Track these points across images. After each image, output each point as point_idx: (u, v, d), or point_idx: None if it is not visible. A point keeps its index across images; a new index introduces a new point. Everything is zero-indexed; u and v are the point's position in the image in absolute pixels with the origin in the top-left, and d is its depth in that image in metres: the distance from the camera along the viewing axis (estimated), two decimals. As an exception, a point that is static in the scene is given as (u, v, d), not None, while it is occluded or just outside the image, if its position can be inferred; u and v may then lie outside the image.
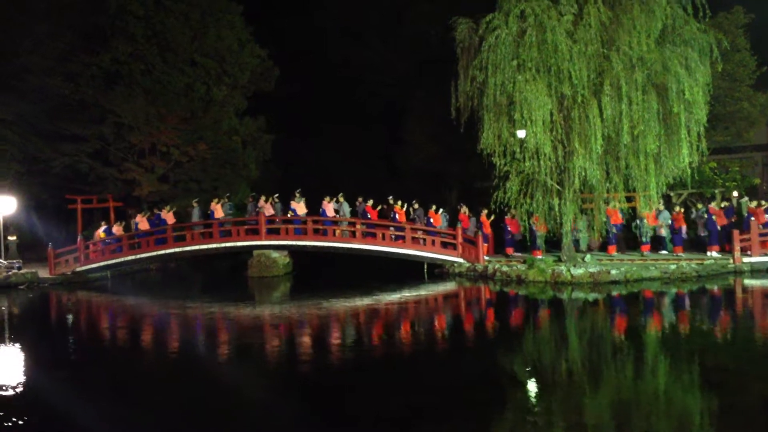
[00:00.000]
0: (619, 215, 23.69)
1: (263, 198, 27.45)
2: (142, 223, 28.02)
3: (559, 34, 20.65)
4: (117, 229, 27.56)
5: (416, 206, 27.00)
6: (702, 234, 24.51)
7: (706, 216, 24.16)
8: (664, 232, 24.34)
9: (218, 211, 27.30)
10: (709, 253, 23.36)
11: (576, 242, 23.76)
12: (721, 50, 21.40)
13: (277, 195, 27.79)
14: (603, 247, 24.81)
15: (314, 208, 26.74)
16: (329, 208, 26.32)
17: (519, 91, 20.87)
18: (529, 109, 20.67)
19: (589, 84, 20.81)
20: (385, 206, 26.99)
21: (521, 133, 21.32)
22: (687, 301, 18.51)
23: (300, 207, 26.45)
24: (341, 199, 26.88)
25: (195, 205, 28.81)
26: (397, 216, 25.97)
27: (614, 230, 24.05)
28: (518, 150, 21.64)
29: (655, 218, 23.95)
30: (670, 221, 24.20)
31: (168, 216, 28.01)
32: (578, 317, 16.87)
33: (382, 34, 44.98)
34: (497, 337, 15.17)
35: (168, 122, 32.58)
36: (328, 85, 45.16)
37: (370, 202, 26.52)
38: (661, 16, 20.77)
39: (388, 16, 44.72)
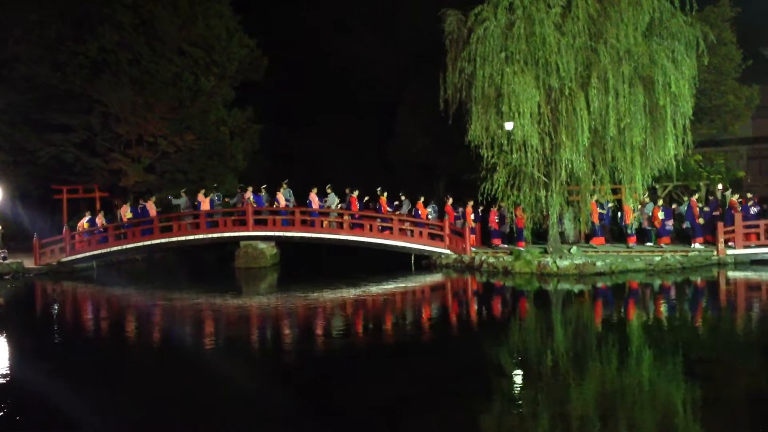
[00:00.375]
0: (597, 209, 23.92)
1: (250, 189, 27.37)
2: (126, 213, 27.86)
3: (548, 27, 20.70)
4: (99, 220, 27.45)
5: (403, 198, 27.06)
6: (685, 227, 24.73)
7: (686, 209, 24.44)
8: (647, 224, 24.57)
9: (204, 203, 27.20)
10: (693, 245, 23.59)
11: (562, 234, 23.89)
12: (708, 43, 21.48)
13: (264, 186, 27.74)
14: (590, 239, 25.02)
15: (302, 199, 26.77)
16: (315, 199, 26.31)
17: (507, 83, 20.93)
18: (516, 102, 20.75)
19: (577, 77, 20.88)
20: (369, 198, 27.06)
21: (509, 126, 21.37)
22: (671, 293, 18.65)
23: (280, 198, 26.40)
24: (329, 191, 26.91)
25: (183, 195, 28.73)
26: (381, 208, 26.05)
27: (599, 222, 24.24)
28: (506, 142, 21.73)
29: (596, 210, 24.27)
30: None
31: (150, 207, 27.89)
32: (563, 308, 16.97)
33: (374, 25, 44.84)
34: (483, 328, 15.24)
35: (155, 112, 32.42)
36: (319, 76, 45.06)
37: (356, 193, 26.51)
38: (648, 9, 20.86)
39: (379, 8, 44.53)
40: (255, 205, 26.27)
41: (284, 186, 27.06)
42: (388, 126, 43.53)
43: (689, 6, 20.97)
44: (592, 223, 24.20)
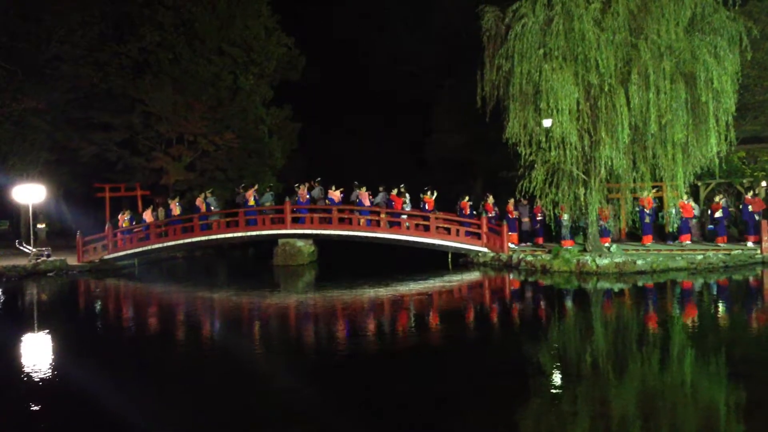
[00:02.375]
0: (652, 203, 23.63)
1: (304, 186, 27.45)
2: (174, 210, 28.18)
3: (587, 23, 20.52)
4: (147, 216, 27.85)
5: (402, 189, 26.89)
6: (710, 227, 24.30)
7: (741, 207, 23.93)
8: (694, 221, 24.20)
9: (251, 199, 27.39)
10: (749, 243, 23.05)
11: (604, 231, 23.63)
12: (751, 39, 21.09)
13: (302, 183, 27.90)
14: (632, 237, 24.72)
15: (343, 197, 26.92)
16: (366, 197, 26.31)
17: (545, 79, 20.79)
18: (555, 98, 20.61)
19: (617, 73, 20.67)
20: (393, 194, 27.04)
21: (547, 123, 21.24)
22: (713, 292, 18.34)
23: (303, 194, 26.51)
24: (380, 189, 26.96)
25: (209, 195, 29.04)
26: (427, 206, 26.02)
27: (648, 219, 23.90)
28: (544, 139, 21.58)
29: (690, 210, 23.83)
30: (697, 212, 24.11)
31: (174, 207, 28.17)
32: (604, 307, 16.79)
33: (410, 23, 44.90)
34: (522, 327, 15.16)
35: (195, 111, 32.83)
36: (355, 75, 45.28)
37: (395, 191, 26.53)
38: (690, 4, 20.59)
39: (415, 6, 44.60)
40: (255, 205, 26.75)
41: (317, 183, 27.31)
42: (424, 124, 43.51)
43: (732, 1, 20.63)
44: (643, 221, 23.89)
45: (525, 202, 25.02)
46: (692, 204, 24.29)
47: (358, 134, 46.38)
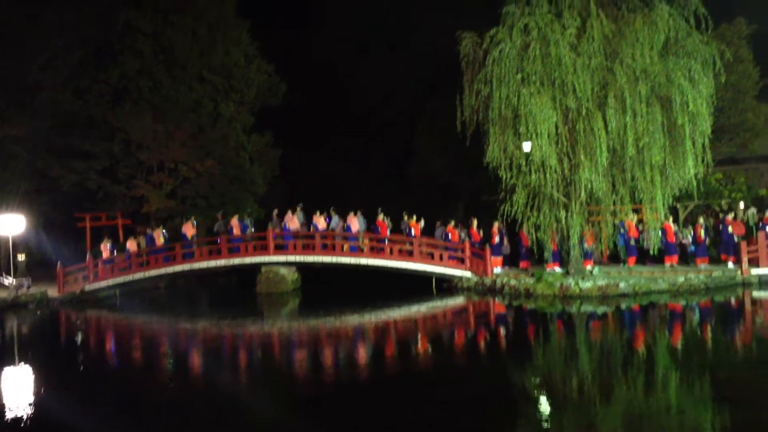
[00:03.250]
0: (635, 227, 23.76)
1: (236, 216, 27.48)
2: (158, 239, 27.98)
3: (563, 48, 20.75)
4: (131, 245, 27.66)
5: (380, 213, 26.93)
6: (692, 248, 24.47)
7: (721, 227, 24.11)
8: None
9: (236, 227, 27.20)
10: (729, 264, 23.13)
11: (586, 254, 23.77)
12: (724, 62, 21.42)
13: (276, 210, 27.90)
14: (614, 259, 24.89)
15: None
16: (355, 222, 26.26)
17: (524, 104, 20.95)
18: (534, 122, 20.75)
19: (594, 96, 20.88)
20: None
21: (527, 146, 21.36)
22: (696, 314, 18.50)
23: (293, 222, 26.46)
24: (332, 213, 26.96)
25: (219, 218, 28.85)
26: (413, 231, 26.04)
27: (633, 242, 24.05)
28: (524, 163, 21.69)
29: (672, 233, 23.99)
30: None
31: (157, 236, 27.98)
32: (588, 331, 16.87)
33: (391, 47, 45.19)
34: (507, 351, 15.20)
35: (176, 138, 32.70)
36: (336, 99, 45.32)
37: (381, 216, 26.47)
38: (663, 29, 20.87)
39: (395, 30, 44.97)
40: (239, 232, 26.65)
41: (298, 210, 27.23)
42: (406, 147, 43.68)
43: (705, 25, 21.01)
44: (626, 243, 24.05)
45: (501, 225, 25.21)
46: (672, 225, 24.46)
47: (340, 159, 46.41)
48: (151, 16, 33.81)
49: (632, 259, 24.23)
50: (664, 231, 23.49)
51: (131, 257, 27.11)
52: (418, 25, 43.39)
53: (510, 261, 25.93)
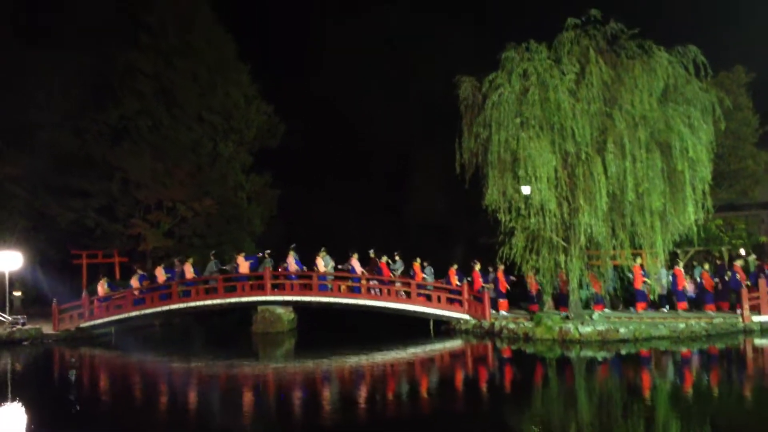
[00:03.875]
0: (642, 273, 23.58)
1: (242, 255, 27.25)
2: (160, 277, 27.76)
3: (562, 93, 20.88)
4: (134, 282, 27.44)
5: (397, 258, 26.87)
6: (692, 295, 24.32)
7: (729, 274, 23.96)
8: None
9: (243, 266, 26.87)
10: (739, 312, 22.84)
11: (598, 299, 23.64)
12: (724, 109, 21.56)
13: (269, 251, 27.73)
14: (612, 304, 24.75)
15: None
16: (357, 265, 26.10)
17: (523, 148, 21.02)
18: (533, 166, 20.79)
19: (593, 141, 20.95)
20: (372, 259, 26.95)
21: (526, 190, 21.38)
22: (697, 361, 18.30)
23: (291, 262, 26.30)
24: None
25: (212, 258, 28.59)
26: (415, 273, 25.86)
27: (642, 287, 23.79)
28: (523, 206, 21.69)
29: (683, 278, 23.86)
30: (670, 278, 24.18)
31: (188, 269, 27.69)
32: (587, 377, 16.66)
33: (389, 90, 45.61)
34: (505, 396, 14.97)
35: (174, 178, 32.78)
36: (334, 141, 45.56)
37: (384, 258, 26.30)
38: (662, 76, 21.02)
39: (394, 73, 45.43)
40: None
41: (291, 251, 27.04)
42: (403, 189, 43.77)
43: (704, 72, 21.16)
44: (635, 288, 23.89)
45: (491, 269, 25.18)
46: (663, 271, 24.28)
47: (337, 200, 46.41)
48: (152, 58, 34.11)
49: (641, 305, 23.98)
50: (674, 276, 23.39)
51: (127, 295, 26.86)
52: (415, 69, 43.90)
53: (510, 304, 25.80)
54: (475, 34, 43.84)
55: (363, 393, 15.31)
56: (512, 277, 25.10)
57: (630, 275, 23.92)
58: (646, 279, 23.60)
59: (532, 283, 24.33)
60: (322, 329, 27.88)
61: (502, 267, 24.51)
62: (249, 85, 37.43)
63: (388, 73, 45.79)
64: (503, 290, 25.26)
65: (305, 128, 43.43)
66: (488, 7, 49.20)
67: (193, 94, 34.83)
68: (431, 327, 24.99)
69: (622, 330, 20.84)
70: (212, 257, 28.40)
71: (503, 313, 24.53)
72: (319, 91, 45.56)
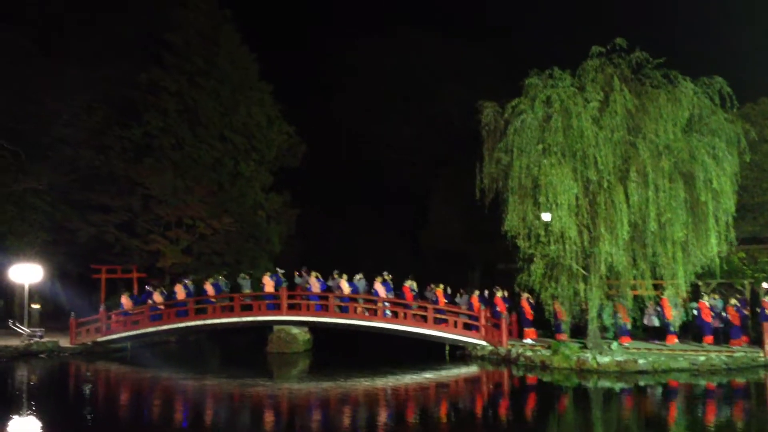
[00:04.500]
0: (671, 306, 23.09)
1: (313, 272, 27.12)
2: (180, 293, 27.78)
3: (585, 120, 20.84)
4: (157, 297, 27.48)
5: (386, 276, 26.66)
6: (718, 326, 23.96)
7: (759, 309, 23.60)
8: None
9: (268, 285, 26.78)
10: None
11: (623, 330, 23.38)
12: (749, 140, 21.44)
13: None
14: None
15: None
16: (381, 288, 25.93)
17: (544, 174, 20.96)
18: (554, 193, 20.71)
19: (615, 170, 20.85)
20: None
21: (546, 216, 21.26)
22: (717, 395, 18.00)
23: (313, 282, 26.24)
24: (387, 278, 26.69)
25: (246, 277, 28.60)
26: (437, 299, 25.81)
27: (672, 319, 23.40)
28: (543, 233, 21.56)
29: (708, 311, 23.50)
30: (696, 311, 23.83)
31: (208, 287, 27.70)
32: (605, 408, 16.43)
33: (409, 114, 45.64)
34: (520, 425, 14.79)
35: (195, 195, 32.94)
36: (354, 163, 45.65)
37: (408, 283, 26.16)
38: (687, 106, 20.94)
39: (414, 98, 45.50)
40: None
41: (304, 272, 27.04)
42: (421, 214, 43.67)
43: (729, 103, 21.06)
44: (665, 320, 23.53)
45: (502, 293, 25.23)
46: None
47: (354, 222, 46.46)
48: (176, 76, 34.57)
49: (672, 337, 23.64)
50: (699, 309, 23.13)
51: (144, 311, 26.87)
52: (435, 94, 43.95)
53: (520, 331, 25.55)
54: (498, 60, 43.83)
55: (375, 417, 15.18)
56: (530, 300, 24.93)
57: (655, 306, 23.60)
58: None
59: (559, 310, 23.55)
60: (337, 350, 27.76)
61: (526, 295, 24.15)
62: (271, 105, 37.72)
63: (409, 96, 45.88)
64: (530, 318, 24.91)
65: (324, 150, 43.59)
66: (512, 34, 49.29)
67: (216, 113, 35.15)
68: (447, 352, 24.80)
69: (641, 361, 20.54)
70: (247, 276, 28.51)
71: (529, 341, 24.27)
72: (338, 112, 45.80)
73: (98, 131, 32.94)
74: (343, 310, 25.74)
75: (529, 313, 24.86)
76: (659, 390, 18.46)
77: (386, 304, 25.40)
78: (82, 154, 32.15)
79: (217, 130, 35.15)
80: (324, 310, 25.79)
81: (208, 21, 36.01)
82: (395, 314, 25.18)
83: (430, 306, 25.22)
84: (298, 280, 27.13)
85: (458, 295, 27.04)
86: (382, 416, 15.28)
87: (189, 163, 34.06)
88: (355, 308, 25.77)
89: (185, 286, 28.11)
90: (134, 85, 33.92)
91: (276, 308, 25.88)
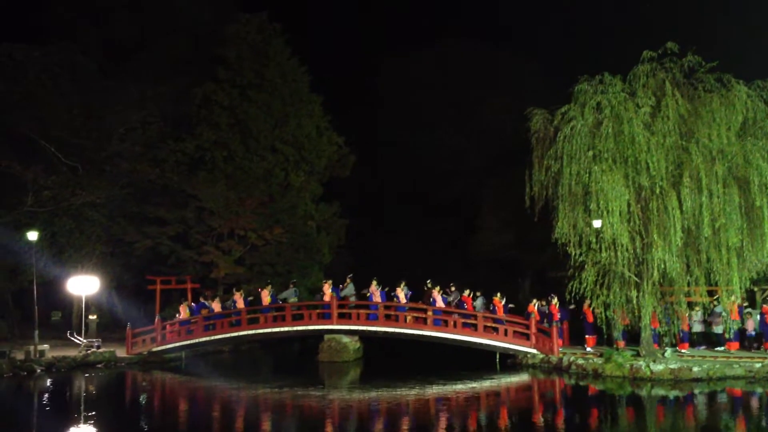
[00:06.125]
0: (737, 311, 22.70)
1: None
2: (239, 302, 28.15)
3: (636, 126, 20.62)
4: (216, 305, 27.94)
5: (452, 289, 26.80)
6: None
7: None
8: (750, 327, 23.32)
9: (327, 294, 26.84)
10: None
11: (684, 336, 23.02)
12: (804, 144, 20.93)
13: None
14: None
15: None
16: (439, 298, 26.07)
17: (595, 181, 20.76)
18: (605, 200, 20.51)
19: (668, 176, 20.58)
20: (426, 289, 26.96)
21: (597, 223, 21.06)
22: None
23: (375, 292, 26.39)
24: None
25: (291, 285, 28.93)
26: (497, 309, 25.89)
27: (736, 326, 22.90)
28: (594, 240, 21.34)
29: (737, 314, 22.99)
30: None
31: (215, 304, 28.10)
32: (659, 417, 16.19)
33: (458, 123, 45.69)
34: (574, 434, 14.68)
35: (247, 207, 33.46)
36: (402, 172, 45.82)
37: (467, 292, 26.22)
38: (741, 110, 20.61)
39: (463, 106, 45.54)
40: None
41: (348, 281, 27.32)
42: (469, 222, 43.55)
43: (786, 107, 20.64)
44: (730, 328, 23.04)
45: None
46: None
47: (403, 231, 46.58)
48: (228, 91, 35.45)
49: (734, 345, 23.15)
50: (762, 315, 22.65)
51: (198, 321, 27.34)
52: (482, 102, 43.93)
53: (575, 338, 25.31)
54: (546, 67, 43.62)
55: (427, 427, 15.22)
56: (572, 306, 24.90)
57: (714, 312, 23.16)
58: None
59: (589, 314, 23.51)
60: (387, 360, 27.85)
61: (588, 302, 23.84)
62: (321, 117, 38.23)
63: (457, 106, 45.94)
64: (591, 324, 24.45)
65: (373, 160, 43.90)
66: (561, 40, 49.05)
67: (267, 126, 35.79)
68: (497, 360, 24.70)
69: (695, 369, 20.14)
70: (291, 285, 28.86)
71: (589, 349, 24.00)
72: (386, 122, 46.06)
73: (153, 145, 33.89)
74: (395, 319, 25.85)
75: (590, 318, 24.35)
76: (713, 398, 18.08)
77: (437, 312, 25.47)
78: (137, 168, 32.96)
79: (267, 142, 35.79)
80: (377, 319, 25.92)
81: (259, 35, 36.83)
82: (445, 322, 25.22)
83: (479, 314, 25.19)
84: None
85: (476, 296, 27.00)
86: (438, 426, 15.31)
87: (240, 175, 34.71)
88: (405, 317, 25.86)
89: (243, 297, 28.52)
90: (188, 100, 34.78)
91: (327, 317, 26.16)
